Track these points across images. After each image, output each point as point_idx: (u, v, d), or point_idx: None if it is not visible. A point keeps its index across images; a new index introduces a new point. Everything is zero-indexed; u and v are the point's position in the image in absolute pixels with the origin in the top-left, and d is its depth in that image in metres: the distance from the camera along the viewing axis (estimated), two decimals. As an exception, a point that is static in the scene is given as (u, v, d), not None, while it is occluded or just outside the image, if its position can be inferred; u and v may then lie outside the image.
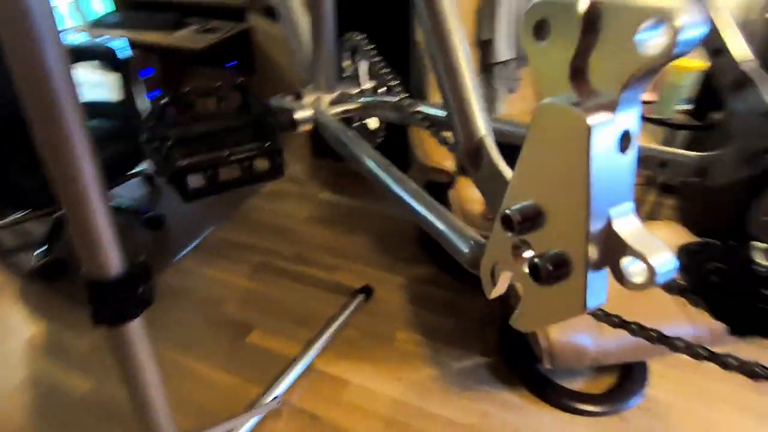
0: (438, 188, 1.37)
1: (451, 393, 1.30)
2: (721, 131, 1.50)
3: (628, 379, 1.30)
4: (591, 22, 0.10)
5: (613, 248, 0.12)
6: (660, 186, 1.82)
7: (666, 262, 0.12)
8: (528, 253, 0.14)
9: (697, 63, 1.38)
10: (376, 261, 1.76)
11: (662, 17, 0.09)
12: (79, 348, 1.46)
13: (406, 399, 1.28)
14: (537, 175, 0.12)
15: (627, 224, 0.12)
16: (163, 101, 0.32)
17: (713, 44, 0.21)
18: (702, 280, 0.25)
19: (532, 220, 0.13)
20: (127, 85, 1.68)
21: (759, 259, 0.24)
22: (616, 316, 0.30)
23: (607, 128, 0.10)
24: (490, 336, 1.46)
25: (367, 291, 1.59)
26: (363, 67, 0.58)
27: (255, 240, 1.86)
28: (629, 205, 0.12)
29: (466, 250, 0.22)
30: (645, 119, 1.58)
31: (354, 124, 0.61)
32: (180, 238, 1.91)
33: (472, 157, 0.19)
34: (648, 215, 1.83)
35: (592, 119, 0.10)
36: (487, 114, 0.20)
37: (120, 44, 1.64)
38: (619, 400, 1.26)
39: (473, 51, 1.50)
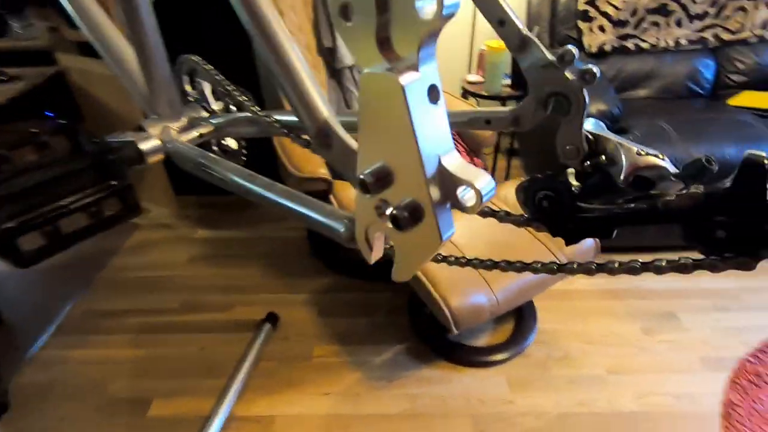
0: (317, 197, 1.38)
1: (379, 389, 1.32)
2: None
3: (522, 321, 1.48)
4: (382, 2, 0.12)
5: (448, 184, 0.15)
6: (507, 151, 2.10)
7: (486, 183, 0.15)
8: (389, 210, 0.16)
9: (505, 43, 1.63)
10: (273, 286, 1.70)
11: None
12: None
13: (337, 411, 1.27)
14: (377, 139, 0.14)
15: (453, 162, 0.15)
16: (-36, 161, 0.27)
17: (497, 16, 0.26)
18: (537, 208, 0.30)
19: (383, 179, 0.15)
20: None
21: (573, 180, 0.30)
22: (489, 260, 0.34)
23: (416, 84, 0.13)
24: (401, 323, 1.52)
25: (272, 318, 1.53)
26: (206, 88, 0.56)
27: (129, 302, 1.64)
28: (451, 146, 0.15)
29: (341, 228, 0.23)
30: (479, 96, 1.81)
31: (213, 149, 0.58)
32: (28, 329, 1.58)
33: (323, 140, 0.21)
34: (502, 177, 2.09)
35: (403, 79, 0.13)
36: (325, 97, 0.21)
37: None
38: (519, 342, 1.43)
39: (319, 59, 1.53)
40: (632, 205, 0.27)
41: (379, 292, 1.63)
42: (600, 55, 1.84)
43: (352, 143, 0.20)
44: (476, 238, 1.25)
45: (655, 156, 0.25)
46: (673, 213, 0.26)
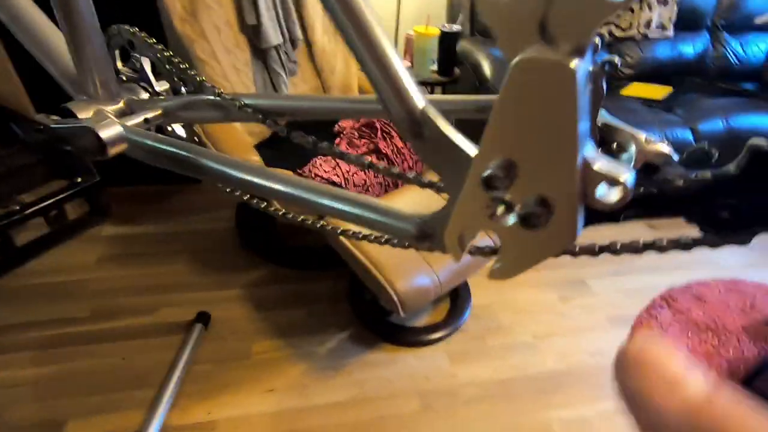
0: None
1: (326, 378, 1.31)
2: (462, 80, 1.86)
3: (457, 298, 1.55)
4: None
5: (588, 178, 0.14)
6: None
7: (631, 176, 0.15)
8: (501, 208, 0.15)
9: (435, 30, 1.66)
10: (201, 282, 1.58)
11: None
12: None
13: (284, 407, 1.23)
14: (511, 132, 0.13)
15: (593, 155, 0.14)
16: None
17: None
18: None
19: (509, 174, 0.14)
20: None
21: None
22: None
23: (581, 71, 0.12)
24: (342, 310, 1.51)
25: (203, 318, 1.42)
26: (146, 65, 0.48)
27: (26, 314, 1.41)
28: (588, 138, 0.14)
29: (412, 229, 0.22)
30: (408, 82, 1.82)
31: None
32: None
33: (416, 132, 0.19)
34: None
35: (573, 65, 0.12)
36: (419, 86, 0.19)
37: None
38: (456, 318, 1.50)
39: (242, 37, 1.42)
40: (641, 189, 0.29)
41: (316, 280, 1.60)
42: (516, 45, 1.96)
43: (455, 136, 0.18)
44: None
45: (661, 143, 0.28)
46: (683, 197, 0.28)
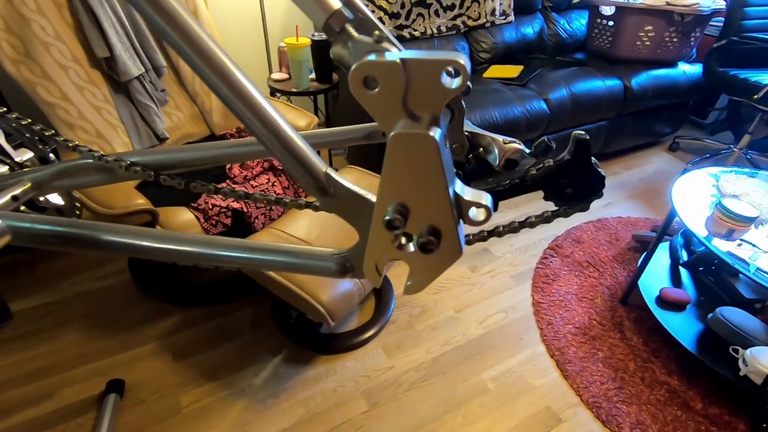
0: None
1: (268, 408, 1.27)
2: (343, 84, 1.90)
3: (381, 294, 1.61)
4: (408, 73, 0.14)
5: (461, 206, 0.18)
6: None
7: (490, 200, 0.19)
8: (404, 239, 0.19)
9: (306, 40, 1.67)
10: (104, 348, 1.41)
11: (454, 64, 0.14)
12: None
13: (231, 449, 1.18)
14: (398, 183, 0.16)
15: (461, 189, 0.18)
16: None
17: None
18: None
19: (404, 215, 0.17)
20: None
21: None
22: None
23: (439, 135, 0.15)
24: (270, 334, 1.47)
25: (115, 386, 1.28)
26: (0, 136, 0.43)
27: None
28: (454, 177, 0.18)
29: (334, 266, 0.24)
30: (289, 93, 1.82)
31: (22, 210, 0.46)
32: None
33: (323, 191, 0.21)
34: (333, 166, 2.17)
35: (433, 134, 0.15)
36: (314, 151, 0.21)
37: None
38: (383, 313, 1.56)
39: (96, 72, 1.29)
40: (507, 181, 0.35)
41: (234, 311, 1.54)
42: (384, 44, 2.06)
43: (356, 189, 0.21)
44: (325, 230, 1.30)
45: (515, 142, 0.34)
46: (537, 182, 0.35)
